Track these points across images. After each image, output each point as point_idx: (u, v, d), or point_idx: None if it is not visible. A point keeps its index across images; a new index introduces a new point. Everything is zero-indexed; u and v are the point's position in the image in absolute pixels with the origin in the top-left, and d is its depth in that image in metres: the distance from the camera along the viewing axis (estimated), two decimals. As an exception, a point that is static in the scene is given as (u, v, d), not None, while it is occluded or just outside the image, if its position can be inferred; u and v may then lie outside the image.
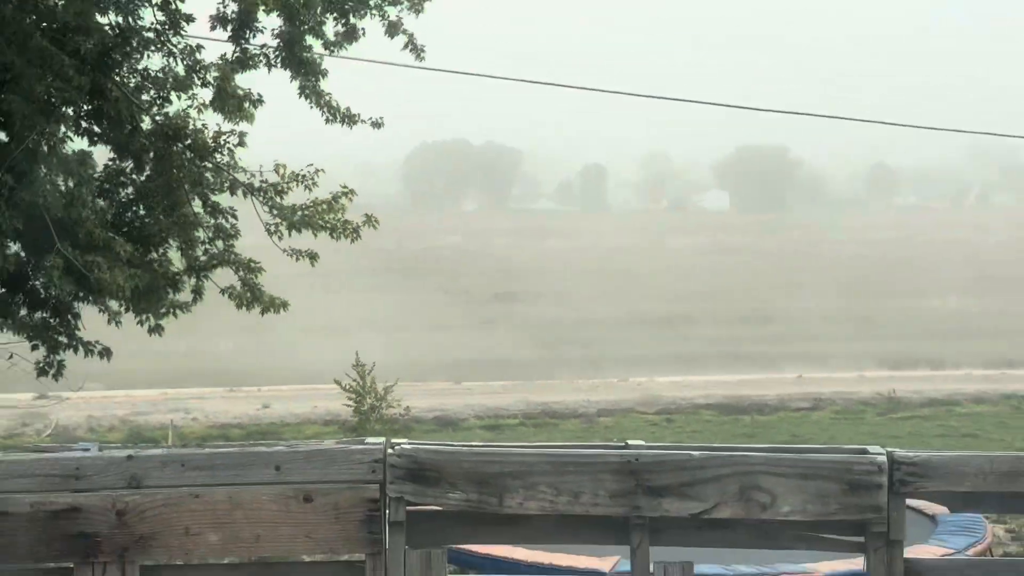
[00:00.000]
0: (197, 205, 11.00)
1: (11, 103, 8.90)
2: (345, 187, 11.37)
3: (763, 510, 3.91)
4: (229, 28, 10.85)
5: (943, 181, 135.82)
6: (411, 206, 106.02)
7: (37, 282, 10.31)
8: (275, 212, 11.05)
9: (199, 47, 10.83)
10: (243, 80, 10.96)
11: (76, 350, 10.50)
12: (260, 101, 10.92)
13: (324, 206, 11.10)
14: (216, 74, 10.74)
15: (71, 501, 3.79)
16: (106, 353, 10.58)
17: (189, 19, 10.59)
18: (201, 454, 3.89)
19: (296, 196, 11.32)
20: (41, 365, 10.51)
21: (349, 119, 11.20)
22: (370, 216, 11.32)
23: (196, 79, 10.79)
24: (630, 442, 4.07)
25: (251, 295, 11.07)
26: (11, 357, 10.63)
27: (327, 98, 11.05)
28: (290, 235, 11.05)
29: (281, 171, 11.18)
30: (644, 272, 69.49)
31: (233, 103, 10.58)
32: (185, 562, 3.91)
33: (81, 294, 10.06)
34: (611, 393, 28.82)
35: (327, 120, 11.13)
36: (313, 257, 11.19)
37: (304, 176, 11.17)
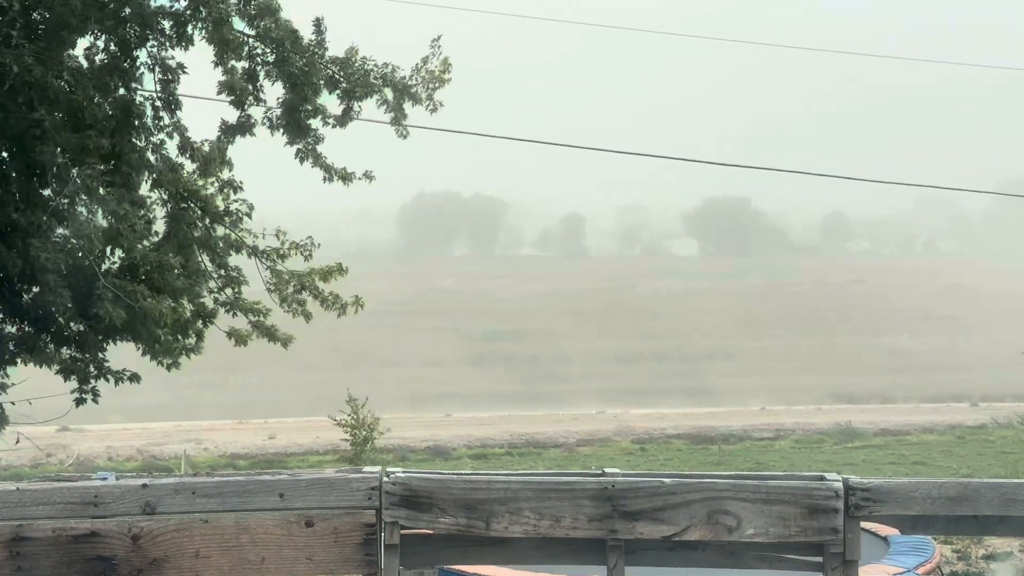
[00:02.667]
0: (206, 259, 11.01)
1: (43, 155, 8.93)
2: (339, 264, 11.34)
3: (729, 533, 3.89)
4: (233, 95, 10.85)
5: (893, 230, 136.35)
6: (407, 252, 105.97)
7: (63, 321, 10.27)
8: (271, 285, 11.08)
9: (186, 131, 10.88)
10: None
11: (107, 379, 10.48)
12: (240, 187, 11.03)
13: (317, 276, 11.10)
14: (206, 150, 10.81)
15: (90, 527, 3.76)
16: (135, 379, 10.59)
17: (177, 104, 10.64)
18: (210, 482, 3.86)
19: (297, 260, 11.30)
20: (76, 395, 10.49)
21: (345, 178, 11.22)
22: (358, 297, 11.27)
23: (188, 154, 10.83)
24: (607, 470, 4.06)
25: (260, 333, 11.07)
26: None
27: (324, 160, 11.09)
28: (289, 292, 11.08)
29: (281, 237, 11.20)
30: (619, 313, 69.51)
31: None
32: (196, 583, 3.88)
33: (116, 331, 9.99)
34: (589, 424, 28.74)
35: (324, 179, 11.16)
36: (307, 316, 11.17)
37: (303, 246, 11.17)
